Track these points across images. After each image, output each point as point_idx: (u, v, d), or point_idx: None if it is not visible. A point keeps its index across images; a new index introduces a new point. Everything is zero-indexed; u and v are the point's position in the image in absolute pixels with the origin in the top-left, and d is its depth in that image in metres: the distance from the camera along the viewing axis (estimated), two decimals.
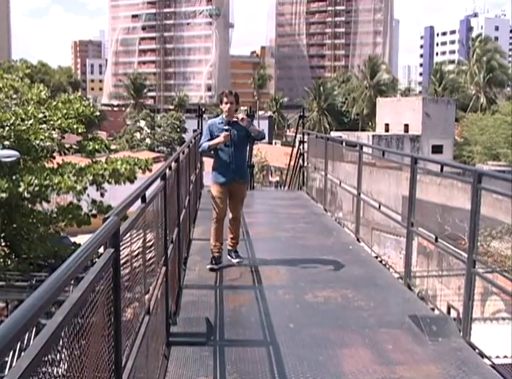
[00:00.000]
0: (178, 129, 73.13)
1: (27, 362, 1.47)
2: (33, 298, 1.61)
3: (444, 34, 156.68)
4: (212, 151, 7.59)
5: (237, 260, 7.69)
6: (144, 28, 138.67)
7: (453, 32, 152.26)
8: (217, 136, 7.34)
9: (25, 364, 1.46)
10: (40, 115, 15.54)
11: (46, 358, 1.67)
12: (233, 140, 7.35)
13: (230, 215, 7.67)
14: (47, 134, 15.10)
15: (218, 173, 7.51)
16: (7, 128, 14.64)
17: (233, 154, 7.40)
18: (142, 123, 75.59)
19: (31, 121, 15.08)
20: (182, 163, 7.23)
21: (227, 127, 7.30)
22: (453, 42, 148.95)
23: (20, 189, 13.76)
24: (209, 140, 7.42)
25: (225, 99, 7.38)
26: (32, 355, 1.51)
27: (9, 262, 15.36)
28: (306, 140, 16.74)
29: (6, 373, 1.42)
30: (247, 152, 7.83)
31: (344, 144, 12.52)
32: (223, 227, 7.62)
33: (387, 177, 11.41)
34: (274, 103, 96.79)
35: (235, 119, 7.39)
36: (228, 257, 7.70)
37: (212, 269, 7.39)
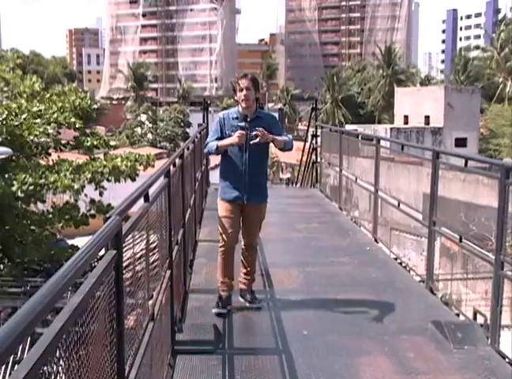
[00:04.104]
0: (182, 124, 73.34)
1: (23, 373, 1.47)
2: (29, 305, 1.61)
3: (468, 17, 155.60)
4: (221, 156, 6.22)
5: (254, 305, 6.32)
6: (144, 15, 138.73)
7: (478, 15, 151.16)
8: (230, 135, 5.96)
9: (21, 376, 1.46)
10: (35, 109, 15.59)
11: (43, 370, 1.68)
12: (249, 144, 5.91)
13: (242, 243, 6.34)
14: (41, 129, 15.12)
15: (226, 186, 6.14)
16: None
17: (248, 162, 5.98)
18: (143, 117, 75.77)
19: (24, 116, 15.13)
20: (187, 160, 7.23)
21: (243, 124, 5.90)
22: (478, 25, 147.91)
23: (13, 189, 13.80)
24: (219, 138, 6.03)
25: (240, 85, 5.92)
26: (28, 366, 1.50)
27: (1, 267, 15.42)
28: (319, 133, 16.72)
29: None
30: (267, 161, 6.35)
31: (359, 137, 12.50)
32: (233, 258, 6.27)
33: (407, 173, 11.40)
34: (285, 95, 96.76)
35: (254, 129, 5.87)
36: (241, 300, 6.37)
37: (219, 314, 6.04)
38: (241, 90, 5.91)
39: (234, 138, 5.86)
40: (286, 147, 6.09)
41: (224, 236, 6.12)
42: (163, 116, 75.93)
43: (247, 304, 6.29)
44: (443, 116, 46.87)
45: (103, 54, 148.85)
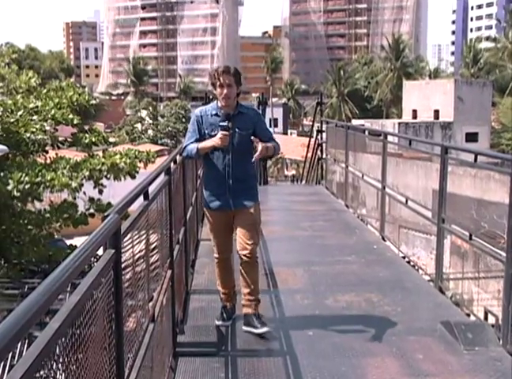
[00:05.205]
0: (184, 119, 73.21)
1: (18, 375, 1.47)
2: (25, 305, 1.61)
3: (479, 7, 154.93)
4: (202, 160, 5.82)
5: (262, 329, 5.52)
6: (143, 7, 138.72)
7: (490, 5, 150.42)
8: (209, 135, 5.49)
9: (17, 377, 1.46)
10: (31, 105, 15.60)
11: (39, 373, 1.68)
12: (232, 144, 5.46)
13: (239, 254, 5.62)
14: (38, 126, 15.13)
15: (210, 193, 5.69)
16: None
17: (231, 164, 5.50)
18: (144, 113, 75.79)
19: (20, 112, 15.14)
20: None
21: (225, 123, 5.37)
22: (490, 16, 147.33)
23: (9, 188, 13.80)
24: (198, 140, 5.55)
25: (220, 81, 5.40)
26: (23, 370, 1.50)
27: None
28: (324, 129, 16.72)
29: None
30: (252, 162, 5.64)
31: (366, 132, 12.50)
32: (231, 266, 5.96)
33: (415, 169, 11.39)
34: (289, 89, 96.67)
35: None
36: (245, 328, 5.63)
37: (222, 326, 5.78)
38: (221, 86, 5.41)
39: (216, 140, 5.37)
40: (274, 154, 5.73)
41: (217, 248, 5.82)
42: (164, 112, 75.89)
43: (253, 330, 5.56)
44: (453, 110, 46.63)
45: (101, 48, 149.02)
